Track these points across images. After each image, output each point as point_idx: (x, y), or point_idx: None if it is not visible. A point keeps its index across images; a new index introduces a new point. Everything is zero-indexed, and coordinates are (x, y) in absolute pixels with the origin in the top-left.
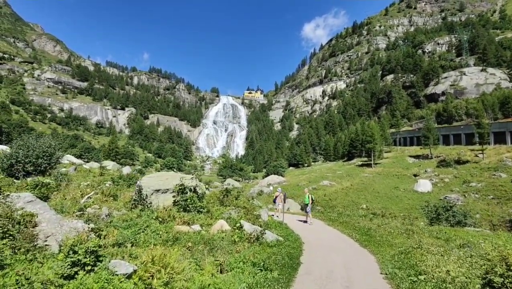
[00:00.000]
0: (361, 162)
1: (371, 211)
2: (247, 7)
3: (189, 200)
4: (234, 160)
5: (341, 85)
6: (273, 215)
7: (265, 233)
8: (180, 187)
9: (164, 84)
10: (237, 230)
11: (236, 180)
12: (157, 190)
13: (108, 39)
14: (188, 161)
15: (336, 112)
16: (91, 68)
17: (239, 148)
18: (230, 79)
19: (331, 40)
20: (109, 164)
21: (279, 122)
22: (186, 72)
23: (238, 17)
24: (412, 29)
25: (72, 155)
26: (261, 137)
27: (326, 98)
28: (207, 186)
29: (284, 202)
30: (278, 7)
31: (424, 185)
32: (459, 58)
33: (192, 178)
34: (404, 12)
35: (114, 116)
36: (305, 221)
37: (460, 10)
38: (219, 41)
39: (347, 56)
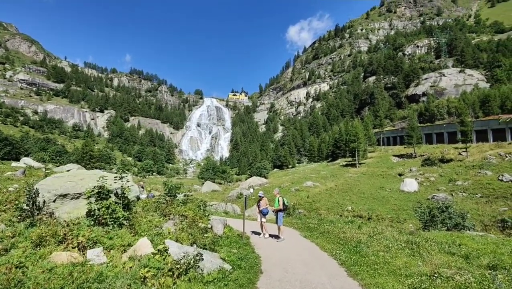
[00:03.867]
0: (345, 162)
1: (357, 213)
2: (232, 10)
3: (104, 209)
4: (218, 163)
5: (325, 87)
6: (258, 235)
7: (202, 259)
8: (99, 191)
9: (146, 86)
10: (157, 256)
11: (218, 182)
12: (64, 195)
13: (89, 41)
14: (170, 164)
15: (320, 114)
16: (68, 69)
17: (223, 151)
18: (214, 81)
19: (314, 43)
20: (74, 167)
21: (263, 124)
22: (169, 74)
23: (223, 20)
24: (392, 32)
25: (39, 159)
26: (246, 139)
27: (310, 100)
28: (182, 191)
29: (265, 207)
30: (263, 10)
31: (410, 185)
32: (438, 60)
33: (117, 177)
34: (385, 16)
35: (92, 119)
36: (277, 236)
37: (437, 14)
38: (203, 43)
39: (330, 58)
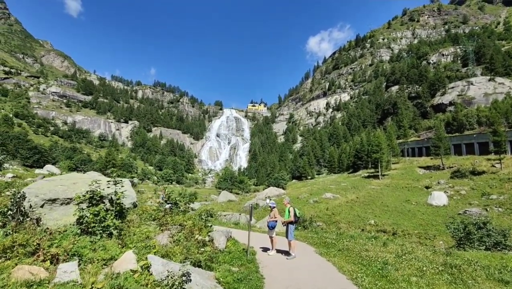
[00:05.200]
0: (367, 174)
1: (380, 228)
2: (253, 21)
3: (92, 217)
4: (236, 173)
5: (345, 97)
6: (266, 250)
7: (190, 280)
8: (91, 196)
9: (168, 97)
10: (136, 274)
11: (235, 193)
12: (53, 200)
13: (116, 55)
14: (190, 174)
15: (340, 124)
16: (96, 82)
17: (242, 161)
18: (234, 92)
19: (334, 53)
20: (94, 175)
21: (282, 134)
22: (190, 86)
23: (244, 31)
24: (415, 41)
25: (65, 167)
26: (264, 149)
27: (330, 110)
28: (199, 200)
29: (275, 219)
30: (284, 21)
31: (439, 198)
32: (465, 68)
33: (111, 181)
34: (407, 25)
35: (117, 129)
36: (287, 252)
37: (463, 22)
38: (224, 55)
39: (351, 68)
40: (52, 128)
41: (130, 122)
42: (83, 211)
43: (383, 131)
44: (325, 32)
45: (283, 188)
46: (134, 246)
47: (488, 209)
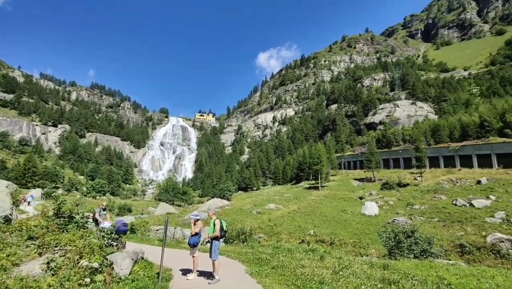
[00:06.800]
0: (309, 185)
1: (319, 238)
2: (205, 28)
3: None
4: (180, 184)
5: (290, 112)
6: (188, 273)
7: None
8: None
9: (107, 101)
10: None
11: (177, 205)
12: None
13: (48, 51)
14: (127, 185)
15: (285, 137)
16: (21, 79)
17: (187, 172)
18: (182, 100)
19: (281, 70)
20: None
21: (230, 145)
22: (134, 90)
23: (196, 37)
24: (352, 65)
25: None
26: (211, 160)
27: (276, 123)
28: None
29: (197, 235)
30: (236, 34)
31: (371, 208)
32: (393, 92)
33: None
34: (345, 50)
35: (43, 133)
36: (211, 275)
37: (391, 52)
38: (173, 61)
39: (296, 85)
40: None
41: (59, 126)
42: None
43: (324, 145)
44: (274, 50)
45: (228, 200)
46: None
47: (412, 218)
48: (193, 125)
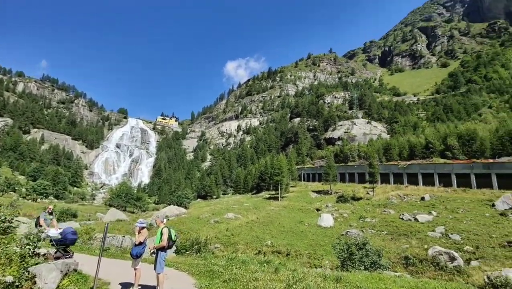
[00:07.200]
0: (269, 195)
1: (276, 249)
2: (173, 37)
3: None
4: (135, 189)
5: (255, 122)
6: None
7: None
8: None
9: (59, 96)
10: None
11: (130, 211)
12: None
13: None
14: (75, 188)
15: (249, 147)
16: None
17: (144, 177)
18: (144, 103)
19: (249, 80)
20: None
21: (192, 151)
22: (91, 88)
23: (162, 44)
24: (316, 82)
25: None
26: (171, 166)
27: (241, 132)
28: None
29: (141, 245)
30: (205, 42)
31: (327, 220)
32: (351, 110)
33: None
34: (310, 68)
35: None
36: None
37: (351, 73)
38: (136, 60)
39: (262, 97)
40: None
41: (0, 118)
42: None
43: (285, 156)
44: (243, 60)
45: (186, 207)
46: None
47: (363, 230)
48: (154, 128)
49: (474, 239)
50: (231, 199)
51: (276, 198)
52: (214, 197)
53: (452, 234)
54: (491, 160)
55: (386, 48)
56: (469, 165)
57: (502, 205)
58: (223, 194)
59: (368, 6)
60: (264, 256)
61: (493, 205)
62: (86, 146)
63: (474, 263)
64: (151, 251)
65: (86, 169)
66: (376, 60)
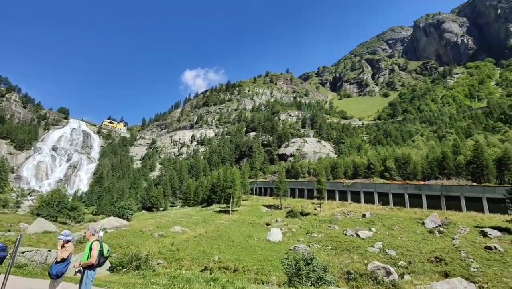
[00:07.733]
0: (220, 208)
1: (223, 264)
2: (130, 37)
3: None
4: (71, 198)
5: (210, 133)
6: None
7: None
8: None
9: None
10: None
11: (62, 222)
12: None
13: None
14: None
15: (202, 158)
16: None
17: (82, 184)
18: (90, 104)
19: (206, 91)
20: None
21: (140, 159)
22: (29, 83)
23: (119, 43)
24: (272, 99)
25: None
26: (115, 173)
27: (195, 143)
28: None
29: (64, 262)
30: (164, 47)
31: (276, 234)
32: (303, 129)
33: None
34: (268, 85)
35: None
36: None
37: (305, 94)
38: (89, 63)
39: (219, 108)
40: None
41: None
42: None
43: (239, 169)
44: (202, 70)
45: (128, 219)
46: None
47: (310, 245)
48: (98, 132)
49: (407, 255)
50: (179, 212)
51: (227, 212)
52: (161, 209)
53: (388, 249)
54: (421, 182)
55: (337, 74)
56: (403, 186)
57: (430, 223)
58: (171, 206)
59: (324, 33)
60: (211, 273)
61: (423, 223)
62: (14, 147)
63: (406, 277)
64: (76, 270)
65: (13, 173)
66: (328, 84)
